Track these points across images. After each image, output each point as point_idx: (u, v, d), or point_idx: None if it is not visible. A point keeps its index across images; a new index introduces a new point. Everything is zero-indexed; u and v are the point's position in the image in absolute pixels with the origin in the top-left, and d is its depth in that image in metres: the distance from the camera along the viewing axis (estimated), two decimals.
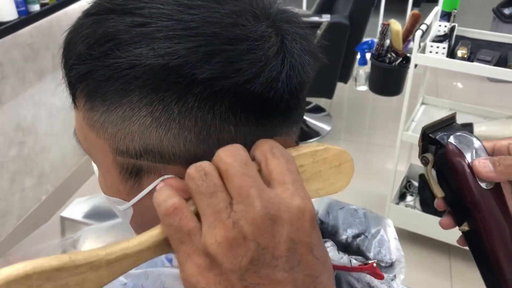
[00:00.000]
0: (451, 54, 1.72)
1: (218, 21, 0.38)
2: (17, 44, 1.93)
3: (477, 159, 0.46)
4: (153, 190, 0.43)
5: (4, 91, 1.91)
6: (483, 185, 0.46)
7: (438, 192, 0.49)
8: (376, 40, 1.98)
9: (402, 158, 2.18)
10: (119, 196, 0.46)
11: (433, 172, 0.50)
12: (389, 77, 2.00)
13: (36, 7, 1.85)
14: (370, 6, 2.35)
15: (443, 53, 1.68)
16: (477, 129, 1.83)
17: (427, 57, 1.68)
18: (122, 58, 0.38)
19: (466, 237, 0.49)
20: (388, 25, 1.81)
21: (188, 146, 0.40)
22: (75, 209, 1.15)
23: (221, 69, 0.37)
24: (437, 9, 1.90)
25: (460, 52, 1.68)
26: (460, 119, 1.97)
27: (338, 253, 0.57)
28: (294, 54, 0.40)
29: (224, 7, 0.39)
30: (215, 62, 0.37)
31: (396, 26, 1.76)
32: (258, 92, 0.38)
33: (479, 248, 0.48)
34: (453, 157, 0.47)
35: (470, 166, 0.46)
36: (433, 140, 0.48)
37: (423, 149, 0.50)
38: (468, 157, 0.47)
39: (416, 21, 1.83)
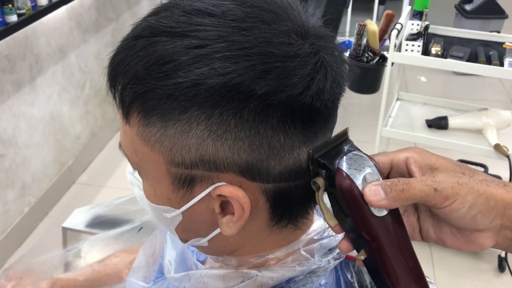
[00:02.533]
0: (425, 51, 1.80)
1: (269, 41, 0.42)
2: None
3: (367, 186, 0.43)
4: (205, 197, 0.46)
5: None
6: (377, 212, 0.43)
7: (331, 220, 0.46)
8: (353, 40, 2.05)
9: None
10: (169, 204, 0.49)
11: (326, 198, 0.46)
12: (367, 76, 2.08)
13: (13, 18, 1.83)
14: (343, 7, 2.43)
15: (418, 51, 1.76)
16: (452, 122, 1.92)
17: (404, 55, 1.75)
18: (184, 78, 0.41)
19: (365, 262, 0.46)
20: (365, 25, 1.88)
21: (241, 155, 0.43)
22: (77, 219, 1.16)
23: (276, 84, 0.41)
24: (409, 9, 1.98)
25: (434, 49, 1.77)
26: (433, 113, 2.07)
27: None
28: (333, 67, 0.45)
29: (273, 27, 0.43)
30: (270, 79, 0.41)
31: (373, 26, 1.83)
32: (308, 103, 0.43)
33: (377, 275, 0.46)
34: (342, 185, 0.43)
35: (361, 194, 0.43)
36: (322, 165, 0.45)
37: (314, 174, 0.46)
38: (359, 184, 0.43)
39: (390, 20, 1.91)
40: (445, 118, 1.94)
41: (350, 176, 0.43)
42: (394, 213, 0.45)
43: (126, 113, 0.46)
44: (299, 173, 0.46)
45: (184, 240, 0.53)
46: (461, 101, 2.14)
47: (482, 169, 2.22)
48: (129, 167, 0.60)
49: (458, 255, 2.09)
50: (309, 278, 0.53)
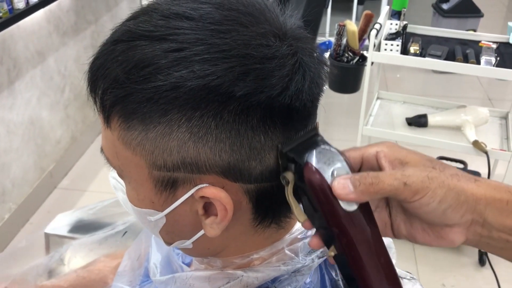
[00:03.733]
0: (404, 50, 1.82)
1: (247, 43, 0.42)
2: None
3: (336, 180, 0.42)
4: (188, 199, 0.47)
5: None
6: (346, 207, 0.42)
7: (300, 215, 0.45)
8: (333, 40, 2.07)
9: None
10: (152, 207, 0.49)
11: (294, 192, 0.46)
12: (347, 76, 2.10)
13: None
14: (322, 7, 2.44)
15: (397, 50, 1.78)
16: (431, 119, 1.95)
17: (383, 54, 1.78)
18: (163, 81, 0.41)
19: (335, 259, 0.45)
20: (344, 26, 1.90)
21: (223, 156, 0.44)
22: (59, 224, 1.14)
23: (255, 86, 0.42)
24: (387, 9, 2.01)
25: (412, 49, 1.79)
26: (413, 111, 2.10)
27: None
28: (311, 67, 0.45)
29: (250, 30, 0.43)
30: (249, 80, 0.42)
31: (352, 27, 1.85)
32: (287, 103, 0.43)
33: (348, 271, 0.45)
34: (311, 179, 0.42)
35: (330, 188, 0.42)
36: (291, 159, 0.44)
37: (283, 168, 0.45)
38: (328, 177, 0.42)
39: (369, 20, 1.93)
40: (424, 116, 1.97)
41: (319, 169, 0.43)
42: (365, 208, 0.44)
43: (107, 118, 0.46)
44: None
45: (169, 243, 0.53)
46: (439, 98, 2.17)
47: (461, 165, 2.26)
48: (112, 172, 0.60)
49: (440, 250, 2.12)
50: (294, 277, 0.54)
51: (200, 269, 0.57)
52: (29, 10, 2.03)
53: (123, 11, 3.11)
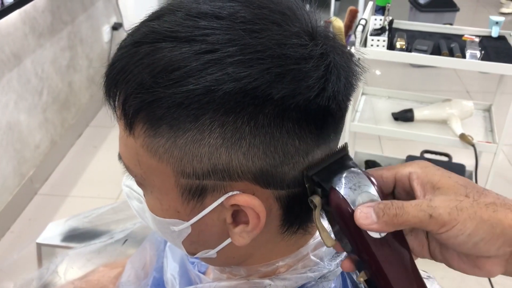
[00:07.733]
0: (390, 46, 1.83)
1: (282, 43, 0.40)
2: None
3: (358, 208, 0.40)
4: (217, 207, 0.44)
5: None
6: (373, 234, 0.41)
7: (327, 240, 0.44)
8: None
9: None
10: (177, 217, 0.46)
11: (324, 215, 0.45)
12: None
13: None
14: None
15: (383, 46, 1.78)
16: (417, 114, 1.96)
17: (370, 50, 1.77)
18: (195, 85, 0.39)
19: (367, 284, 0.44)
20: (330, 22, 1.89)
21: (256, 161, 0.42)
22: (52, 233, 1.10)
23: (293, 87, 0.40)
24: (371, 4, 2.01)
25: (398, 44, 1.79)
26: (398, 106, 2.10)
27: None
28: (345, 67, 0.44)
29: (284, 29, 0.41)
30: (286, 82, 0.39)
31: (338, 23, 1.84)
32: (324, 105, 0.41)
33: None
34: (336, 205, 0.41)
35: None
36: (317, 183, 0.43)
37: (310, 191, 0.44)
38: (353, 204, 0.41)
39: (354, 16, 1.93)
40: (410, 111, 1.98)
41: (344, 196, 0.41)
42: (395, 232, 0.42)
43: (130, 124, 0.43)
44: None
45: (192, 253, 0.51)
46: (418, 92, 2.19)
47: (446, 158, 2.28)
48: (125, 179, 0.57)
49: None
50: (320, 284, 0.52)
51: (222, 279, 0.55)
52: (4, 11, 1.96)
53: (99, 11, 3.04)
